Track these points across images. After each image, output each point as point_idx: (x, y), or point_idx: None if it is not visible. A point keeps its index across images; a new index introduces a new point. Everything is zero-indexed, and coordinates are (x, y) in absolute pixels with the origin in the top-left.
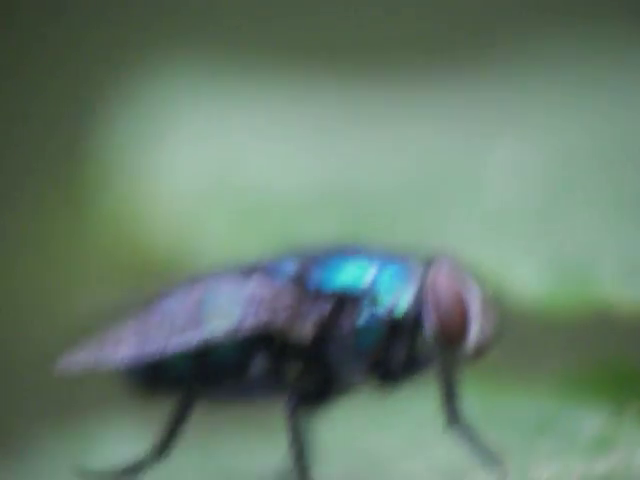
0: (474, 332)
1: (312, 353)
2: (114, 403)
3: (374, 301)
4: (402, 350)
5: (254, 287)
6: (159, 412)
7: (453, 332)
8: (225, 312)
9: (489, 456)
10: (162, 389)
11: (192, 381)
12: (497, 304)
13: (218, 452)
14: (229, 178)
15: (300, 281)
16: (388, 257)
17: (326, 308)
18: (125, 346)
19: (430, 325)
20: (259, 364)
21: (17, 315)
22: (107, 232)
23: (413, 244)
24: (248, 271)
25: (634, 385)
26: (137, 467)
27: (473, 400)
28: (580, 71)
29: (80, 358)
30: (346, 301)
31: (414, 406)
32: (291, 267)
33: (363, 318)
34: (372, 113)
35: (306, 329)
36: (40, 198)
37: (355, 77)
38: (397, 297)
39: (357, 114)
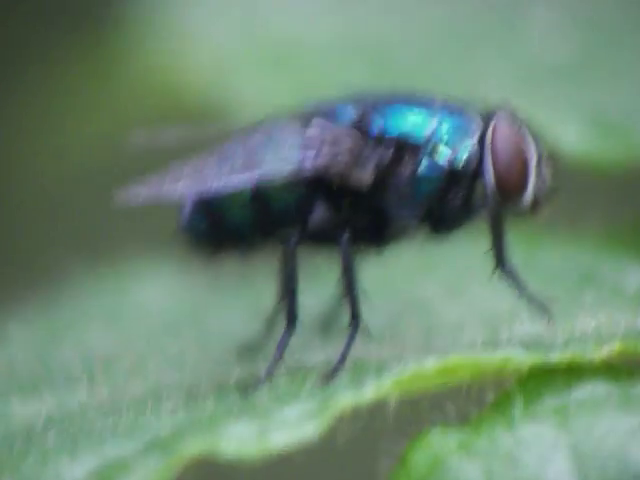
0: (532, 185)
1: (370, 199)
2: (153, 247)
3: (435, 150)
4: (458, 200)
5: (314, 130)
6: (197, 262)
7: (512, 184)
8: (285, 154)
9: (536, 302)
10: (224, 243)
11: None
12: (553, 159)
13: (258, 291)
14: (259, 30)
15: (361, 126)
16: (448, 107)
17: (387, 154)
18: (185, 182)
19: (489, 177)
20: (319, 210)
21: (56, 153)
22: (142, 84)
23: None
24: (308, 116)
25: None
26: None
27: (520, 250)
28: None
29: (138, 191)
30: (407, 149)
31: (460, 253)
32: (351, 112)
33: (423, 166)
34: None
35: (366, 174)
36: (73, 53)
37: None
38: (458, 147)
39: None
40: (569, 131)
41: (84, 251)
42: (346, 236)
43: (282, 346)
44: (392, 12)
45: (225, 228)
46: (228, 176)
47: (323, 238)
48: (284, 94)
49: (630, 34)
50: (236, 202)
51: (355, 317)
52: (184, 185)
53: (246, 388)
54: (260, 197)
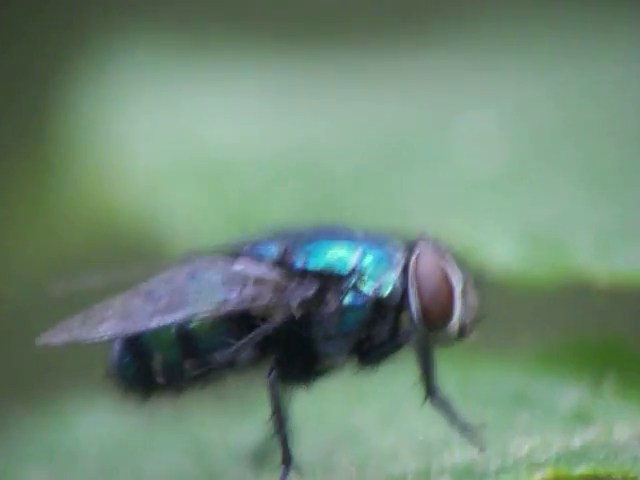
0: (458, 313)
1: (297, 333)
2: (91, 381)
3: (359, 283)
4: (385, 331)
5: (237, 269)
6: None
7: (437, 314)
8: (208, 294)
9: (467, 429)
10: (155, 383)
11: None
12: (480, 285)
13: (193, 426)
14: (195, 147)
15: (285, 262)
16: (371, 239)
17: (311, 289)
18: (108, 324)
19: (414, 308)
20: (244, 344)
21: None
22: (72, 200)
23: (379, 219)
24: (232, 252)
25: (611, 357)
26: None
27: (450, 375)
28: (548, 39)
29: (62, 334)
30: (331, 283)
31: (390, 382)
32: (275, 248)
33: (347, 299)
34: (337, 84)
35: (290, 310)
36: (4, 170)
37: (319, 47)
38: (381, 279)
39: (321, 85)
40: (499, 247)
41: (20, 385)
42: (273, 375)
43: None
44: (325, 125)
45: (154, 368)
46: (151, 318)
47: (247, 372)
48: (218, 214)
49: (563, 141)
50: (163, 341)
51: (286, 456)
52: (107, 328)
53: None
54: (186, 335)
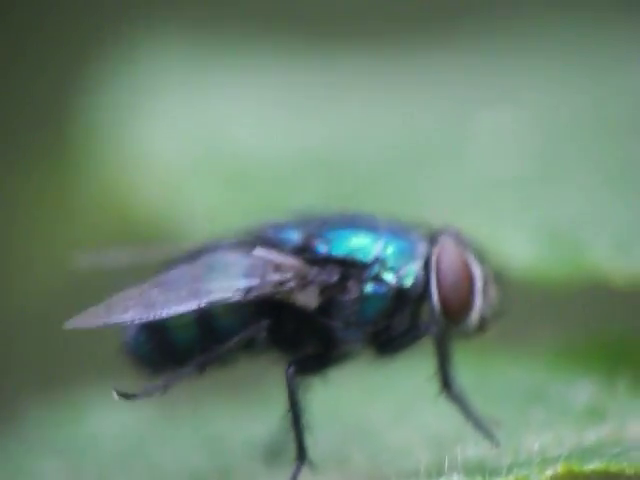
0: (478, 307)
1: (316, 322)
2: (106, 375)
3: (380, 273)
4: (404, 322)
5: (259, 256)
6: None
7: (458, 307)
8: (230, 282)
9: (482, 424)
10: (169, 362)
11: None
12: (500, 279)
13: (208, 420)
14: (215, 145)
15: (306, 250)
16: (394, 229)
17: (332, 278)
18: (132, 312)
19: (435, 300)
20: (263, 330)
21: (4, 281)
22: (93, 199)
23: (398, 216)
24: (253, 240)
25: (626, 355)
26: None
27: (465, 370)
28: (569, 38)
29: (89, 319)
30: (352, 272)
31: (406, 375)
32: (297, 236)
33: (368, 289)
34: (358, 81)
35: (311, 298)
36: (26, 167)
37: (341, 45)
38: (403, 271)
39: (341, 84)
40: (516, 245)
41: (36, 379)
42: (292, 369)
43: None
44: (343, 124)
45: (170, 347)
46: (174, 306)
47: (265, 358)
48: (238, 211)
49: (581, 141)
50: (180, 323)
51: (300, 451)
52: (132, 315)
53: None
54: (205, 318)
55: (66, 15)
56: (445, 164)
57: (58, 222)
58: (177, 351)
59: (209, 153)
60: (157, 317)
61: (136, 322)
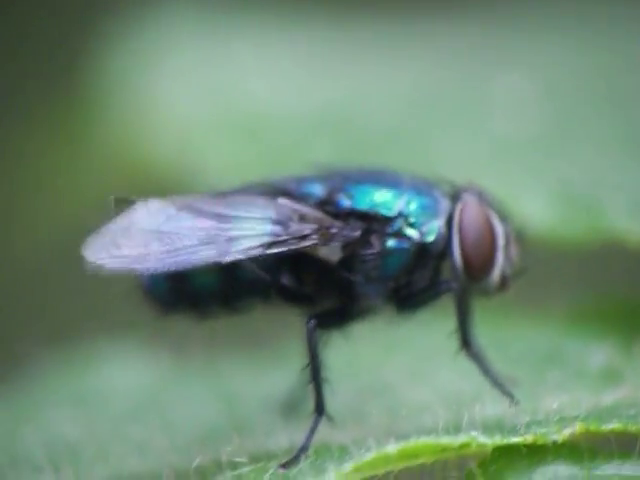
0: (499, 266)
1: (338, 273)
2: (119, 327)
3: (402, 229)
4: (425, 279)
5: (282, 207)
6: (162, 339)
7: (479, 265)
8: (257, 231)
9: (500, 382)
10: (185, 304)
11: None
12: (521, 238)
13: (223, 374)
14: (231, 100)
15: (329, 203)
16: (416, 186)
17: (355, 232)
18: (155, 259)
19: (457, 258)
20: (286, 281)
21: (17, 231)
22: (104, 153)
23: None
24: (276, 191)
25: None
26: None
27: (484, 330)
28: (585, 6)
29: (110, 262)
30: (375, 227)
31: (426, 332)
32: (320, 189)
33: (390, 245)
34: (372, 41)
35: (334, 251)
36: (36, 116)
37: (354, 6)
38: (425, 227)
39: (361, 42)
40: (533, 206)
41: (47, 332)
42: (313, 323)
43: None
44: (360, 82)
45: (188, 289)
46: (198, 257)
47: (285, 309)
48: (252, 167)
49: (598, 105)
50: (202, 269)
51: (319, 405)
52: (156, 262)
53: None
54: (227, 266)
55: None
56: (462, 125)
57: (67, 175)
58: (195, 294)
59: (225, 108)
60: (182, 267)
61: (161, 271)
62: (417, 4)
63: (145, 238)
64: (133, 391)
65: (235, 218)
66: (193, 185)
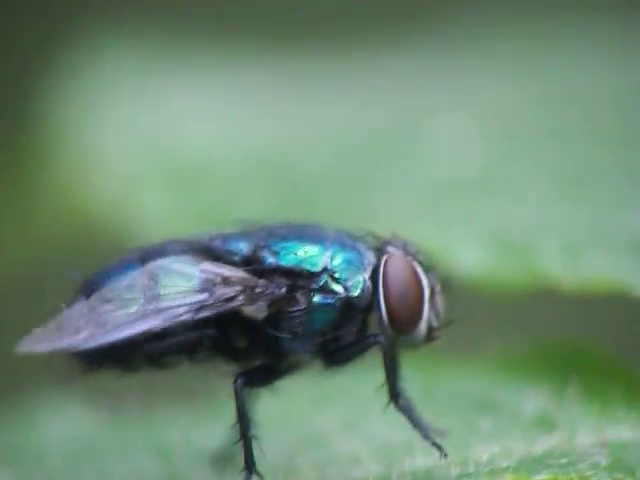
0: (426, 317)
1: (265, 330)
2: (54, 380)
3: (328, 285)
4: (352, 331)
5: (206, 271)
6: (98, 391)
7: (405, 318)
8: (182, 301)
9: (430, 434)
10: (112, 364)
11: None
12: (447, 289)
13: (159, 427)
14: (168, 146)
15: (255, 259)
16: (341, 241)
17: (280, 289)
18: (84, 334)
19: (382, 311)
20: (213, 339)
21: None
22: (46, 199)
23: (349, 219)
24: (199, 250)
25: (575, 363)
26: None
27: (414, 379)
28: (524, 42)
29: (41, 343)
30: (300, 283)
31: (355, 385)
32: (244, 247)
33: (316, 300)
34: (309, 85)
35: (259, 310)
36: None
37: (292, 48)
38: (350, 282)
39: (293, 86)
40: (467, 251)
41: None
42: (240, 381)
43: None
44: (296, 124)
45: (114, 350)
46: (126, 328)
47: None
48: (186, 212)
49: (533, 147)
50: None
51: (248, 462)
52: (85, 338)
53: None
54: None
55: (24, 17)
56: (398, 168)
57: (11, 221)
58: (122, 353)
59: (161, 154)
60: (110, 340)
61: (90, 347)
62: (355, 44)
63: (73, 321)
64: (70, 444)
65: (162, 291)
66: (132, 232)
